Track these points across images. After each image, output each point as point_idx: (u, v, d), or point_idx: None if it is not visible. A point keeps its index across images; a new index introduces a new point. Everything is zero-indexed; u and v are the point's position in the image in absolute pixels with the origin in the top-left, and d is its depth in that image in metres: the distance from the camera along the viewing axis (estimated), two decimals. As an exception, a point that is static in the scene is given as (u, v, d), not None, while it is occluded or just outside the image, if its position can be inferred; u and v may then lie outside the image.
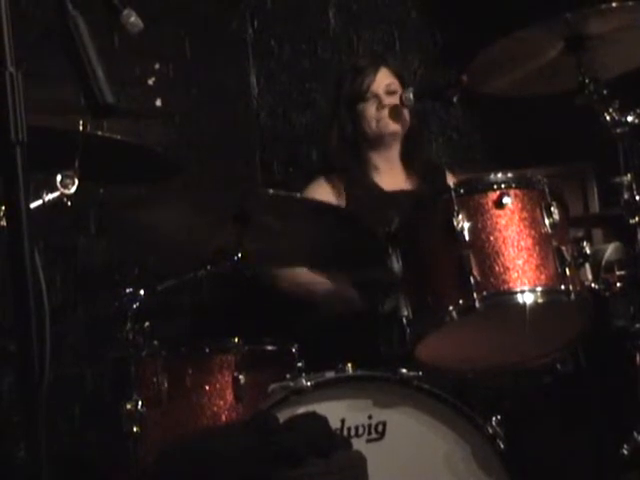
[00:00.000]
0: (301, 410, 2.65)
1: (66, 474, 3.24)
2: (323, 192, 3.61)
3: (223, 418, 2.87)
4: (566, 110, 2.89)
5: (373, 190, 3.60)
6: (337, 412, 2.71)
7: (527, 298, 2.62)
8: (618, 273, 3.03)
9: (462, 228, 2.65)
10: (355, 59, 4.01)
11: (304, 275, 3.47)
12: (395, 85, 3.65)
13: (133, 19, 2.24)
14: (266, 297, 3.77)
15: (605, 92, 2.72)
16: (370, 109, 3.61)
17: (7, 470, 3.40)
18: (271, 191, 2.92)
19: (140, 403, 2.81)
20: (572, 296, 2.64)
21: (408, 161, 3.70)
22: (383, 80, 3.65)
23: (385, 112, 3.59)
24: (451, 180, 3.71)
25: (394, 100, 3.57)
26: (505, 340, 2.80)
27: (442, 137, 4.47)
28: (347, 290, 3.42)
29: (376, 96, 3.61)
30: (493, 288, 2.62)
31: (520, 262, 2.63)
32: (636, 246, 2.73)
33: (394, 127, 3.61)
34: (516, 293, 2.63)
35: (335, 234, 2.99)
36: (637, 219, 2.69)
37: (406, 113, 3.62)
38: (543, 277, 2.63)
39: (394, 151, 3.68)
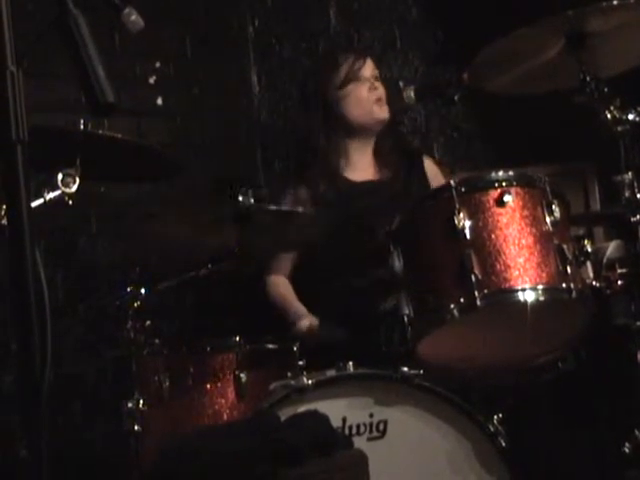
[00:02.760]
0: (302, 408, 2.65)
1: (67, 473, 3.24)
2: (298, 202, 3.55)
3: (224, 417, 2.87)
4: (567, 108, 2.89)
5: (341, 184, 3.59)
6: (338, 410, 2.71)
7: (528, 296, 2.62)
8: (619, 271, 3.02)
9: (463, 226, 2.65)
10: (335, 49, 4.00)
11: (282, 287, 3.52)
12: (378, 75, 3.66)
13: (134, 18, 2.24)
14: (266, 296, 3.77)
15: (606, 90, 2.72)
16: (362, 89, 3.58)
17: (8, 469, 3.40)
18: (273, 207, 2.93)
19: (141, 401, 2.82)
20: (573, 294, 2.65)
21: (381, 155, 3.68)
22: (371, 66, 3.65)
23: (377, 94, 3.58)
24: (430, 165, 3.69)
25: (380, 86, 3.60)
26: (506, 338, 2.80)
27: (443, 135, 4.47)
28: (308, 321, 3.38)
29: (367, 80, 3.60)
30: (494, 286, 2.62)
31: (521, 260, 2.63)
32: (637, 244, 2.72)
33: (385, 115, 3.59)
34: (517, 291, 2.63)
35: (336, 235, 2.99)
36: (638, 217, 2.69)
37: (385, 105, 3.61)
38: (544, 275, 2.64)
39: (369, 145, 3.66)
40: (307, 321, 3.31)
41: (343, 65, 3.62)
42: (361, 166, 3.63)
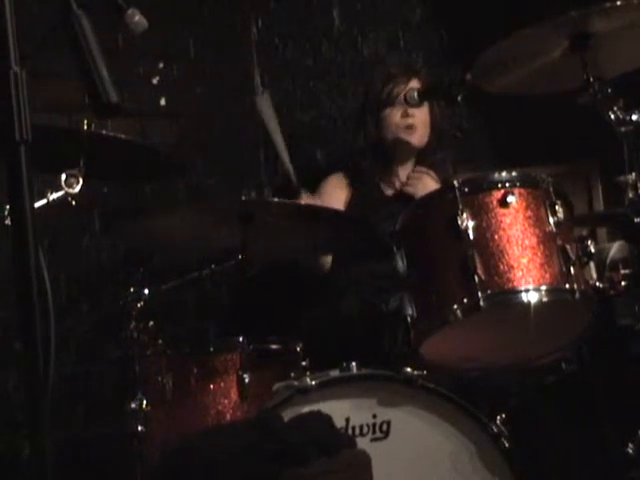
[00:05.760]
0: (306, 409, 2.65)
1: (70, 473, 3.24)
2: (337, 186, 3.68)
3: (228, 417, 2.87)
4: (570, 108, 2.88)
5: (375, 194, 3.62)
6: (341, 411, 2.71)
7: (531, 297, 2.62)
8: (622, 272, 3.02)
9: (466, 227, 2.65)
10: (388, 66, 4.01)
11: None
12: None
13: (137, 18, 2.24)
14: (270, 296, 3.77)
15: (610, 91, 2.71)
16: (395, 115, 3.61)
17: (12, 469, 3.41)
18: (275, 199, 2.92)
19: (145, 402, 2.82)
20: (577, 295, 2.64)
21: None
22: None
23: (409, 121, 3.59)
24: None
25: (418, 112, 3.59)
26: (510, 339, 2.80)
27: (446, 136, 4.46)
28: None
29: (403, 105, 3.55)
30: (497, 287, 2.62)
31: (525, 261, 2.63)
32: (640, 244, 2.73)
33: (415, 143, 3.62)
34: (520, 292, 2.62)
35: (338, 235, 2.99)
36: (642, 217, 2.69)
37: (424, 128, 3.63)
38: (548, 276, 2.63)
39: (409, 163, 3.69)
40: None
41: (387, 85, 3.64)
42: (400, 182, 3.66)
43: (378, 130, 3.65)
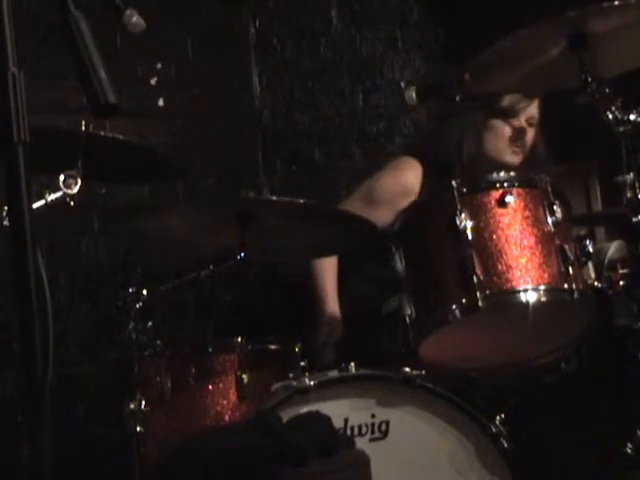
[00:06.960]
0: (304, 409, 2.65)
1: (69, 474, 3.24)
2: (415, 171, 3.46)
3: (226, 418, 2.87)
4: (568, 108, 2.89)
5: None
6: (340, 411, 2.71)
7: (530, 297, 2.62)
8: (621, 271, 3.02)
9: (465, 227, 2.65)
10: None
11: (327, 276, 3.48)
12: (536, 120, 3.48)
13: (135, 19, 2.24)
14: (269, 296, 3.77)
15: (608, 90, 2.71)
16: (506, 128, 3.42)
17: (11, 470, 3.40)
18: (274, 197, 2.92)
19: (143, 403, 2.82)
20: (575, 294, 2.64)
21: None
22: (532, 110, 3.46)
23: (522, 141, 3.43)
24: None
25: (532, 132, 3.46)
26: (508, 339, 2.80)
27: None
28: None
29: (519, 122, 3.44)
30: (496, 287, 2.62)
31: (523, 261, 2.63)
32: (639, 244, 2.72)
33: (513, 161, 3.44)
34: (519, 292, 2.63)
35: (338, 235, 2.99)
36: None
37: (521, 152, 3.46)
38: (546, 276, 2.63)
39: None
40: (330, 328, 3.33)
41: (508, 96, 3.39)
42: None
43: (476, 134, 3.44)
